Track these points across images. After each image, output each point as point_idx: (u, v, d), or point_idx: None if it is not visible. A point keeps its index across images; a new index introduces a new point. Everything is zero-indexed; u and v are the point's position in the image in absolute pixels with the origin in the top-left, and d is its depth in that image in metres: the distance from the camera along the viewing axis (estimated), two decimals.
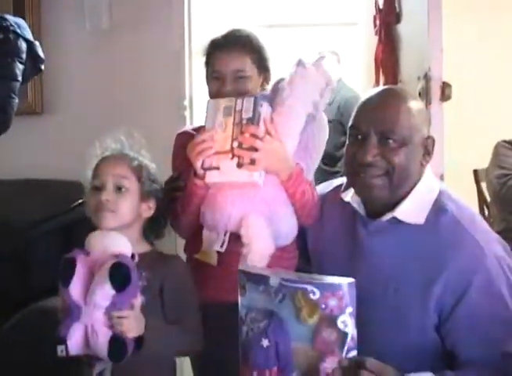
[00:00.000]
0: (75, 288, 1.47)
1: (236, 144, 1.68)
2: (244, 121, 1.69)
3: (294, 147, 1.76)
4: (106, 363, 1.52)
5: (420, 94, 2.80)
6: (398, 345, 1.46)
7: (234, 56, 1.84)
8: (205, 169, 1.70)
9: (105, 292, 1.44)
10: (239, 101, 1.71)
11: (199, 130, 1.80)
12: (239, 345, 1.46)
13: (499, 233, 2.86)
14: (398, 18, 3.28)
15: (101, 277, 1.45)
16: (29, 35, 2.49)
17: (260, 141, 1.66)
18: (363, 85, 4.26)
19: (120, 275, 1.43)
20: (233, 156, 1.67)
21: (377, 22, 3.49)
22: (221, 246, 1.76)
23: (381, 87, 1.71)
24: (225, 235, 1.76)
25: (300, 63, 1.74)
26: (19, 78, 2.44)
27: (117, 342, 1.45)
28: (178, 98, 3.22)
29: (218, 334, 1.66)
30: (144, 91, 3.23)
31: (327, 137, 1.85)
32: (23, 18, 2.61)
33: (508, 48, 4.62)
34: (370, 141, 1.57)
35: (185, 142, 1.79)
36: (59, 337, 1.46)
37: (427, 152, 1.62)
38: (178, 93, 3.22)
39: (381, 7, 3.43)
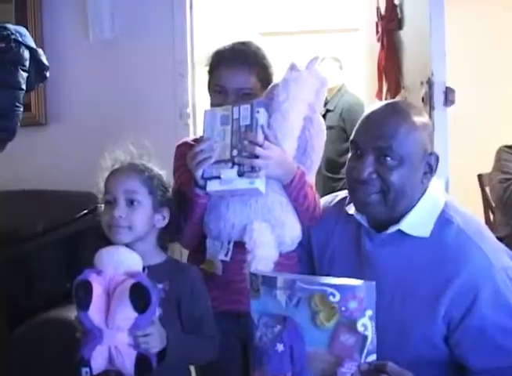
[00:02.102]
0: (94, 312, 1.46)
1: (235, 152, 1.67)
2: (242, 129, 1.69)
3: (294, 151, 1.76)
4: None
5: (423, 99, 2.81)
6: (405, 355, 1.46)
7: (240, 73, 1.83)
8: (206, 179, 1.69)
9: (127, 315, 1.44)
10: (235, 109, 1.71)
11: (198, 141, 1.80)
12: (251, 351, 1.46)
13: (503, 238, 2.89)
14: (400, 24, 3.29)
15: (121, 300, 1.44)
16: (31, 43, 2.48)
17: (259, 148, 1.65)
18: (366, 91, 4.26)
19: (140, 297, 1.43)
20: (233, 164, 1.67)
21: (379, 28, 3.50)
22: (226, 255, 1.76)
23: (386, 101, 1.70)
24: (229, 244, 1.75)
25: (293, 67, 1.73)
26: (24, 87, 2.44)
27: (143, 361, 1.46)
28: (181, 106, 3.23)
29: (223, 341, 1.66)
30: (147, 100, 3.24)
31: (325, 138, 1.84)
32: (26, 29, 2.61)
33: (511, 53, 4.62)
34: (367, 158, 1.56)
35: (185, 153, 1.79)
36: (82, 359, 1.46)
37: (430, 169, 1.60)
38: (181, 102, 3.23)
39: (383, 13, 3.44)
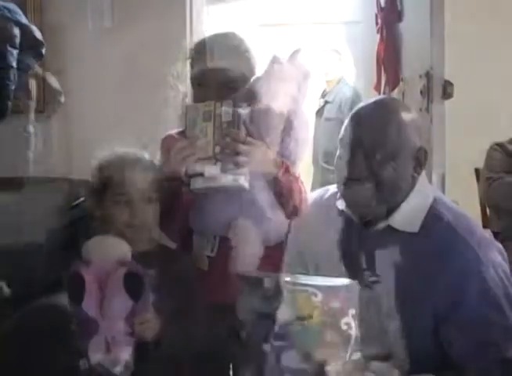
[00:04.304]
0: (88, 304, 1.46)
1: (218, 149, 1.65)
2: (225, 125, 1.66)
3: (277, 145, 1.73)
4: (128, 368, 1.52)
5: (421, 92, 2.81)
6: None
7: (222, 67, 1.79)
8: (189, 176, 1.67)
9: (123, 304, 1.45)
10: (217, 104, 1.67)
11: (183, 134, 1.77)
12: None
13: (498, 232, 2.90)
14: (399, 16, 3.29)
15: (115, 289, 1.45)
16: (22, 18, 2.42)
17: (242, 144, 1.63)
18: (365, 84, 4.27)
19: (135, 285, 1.44)
20: (217, 161, 1.65)
21: (379, 20, 3.50)
22: (212, 250, 1.76)
23: (373, 98, 1.69)
24: (214, 239, 1.75)
25: (274, 60, 1.71)
26: (14, 64, 2.39)
27: (140, 349, 1.47)
28: (182, 95, 3.23)
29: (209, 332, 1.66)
30: (146, 89, 3.24)
31: (311, 131, 1.81)
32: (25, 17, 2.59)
33: (510, 47, 4.62)
34: (358, 156, 1.54)
35: (170, 146, 1.77)
36: (79, 351, 1.47)
37: (419, 164, 1.59)
38: (182, 90, 3.23)
39: (383, 5, 3.44)
